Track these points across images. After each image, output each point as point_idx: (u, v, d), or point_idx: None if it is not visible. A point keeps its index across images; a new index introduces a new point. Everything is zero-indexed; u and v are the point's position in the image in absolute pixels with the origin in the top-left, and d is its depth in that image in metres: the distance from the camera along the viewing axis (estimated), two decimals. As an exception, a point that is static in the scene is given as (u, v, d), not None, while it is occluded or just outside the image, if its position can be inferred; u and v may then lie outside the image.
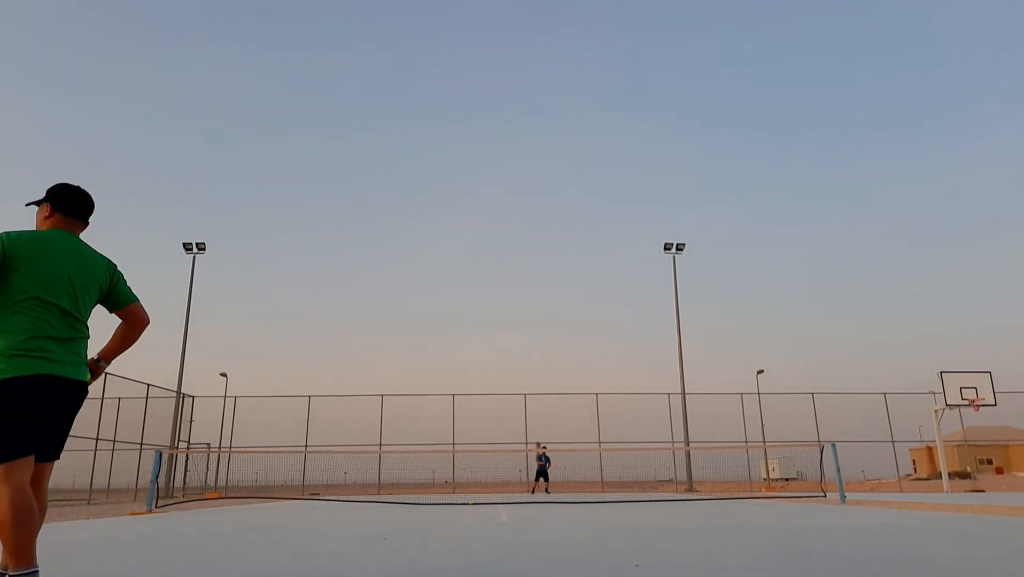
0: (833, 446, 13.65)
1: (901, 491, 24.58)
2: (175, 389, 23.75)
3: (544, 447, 22.65)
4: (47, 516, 10.10)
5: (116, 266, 2.97)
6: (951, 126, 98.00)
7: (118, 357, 3.01)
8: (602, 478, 25.44)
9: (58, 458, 2.76)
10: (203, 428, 25.65)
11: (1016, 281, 75.34)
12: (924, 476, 48.73)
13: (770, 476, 34.06)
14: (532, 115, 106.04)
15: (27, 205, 2.94)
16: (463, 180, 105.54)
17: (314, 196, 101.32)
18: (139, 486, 20.29)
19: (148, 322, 3.02)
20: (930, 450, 49.33)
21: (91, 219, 2.97)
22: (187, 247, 25.90)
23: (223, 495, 23.19)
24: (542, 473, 22.43)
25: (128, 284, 3.00)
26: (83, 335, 2.78)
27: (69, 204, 2.87)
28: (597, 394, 25.48)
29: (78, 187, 2.94)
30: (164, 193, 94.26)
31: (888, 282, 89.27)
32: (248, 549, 4.72)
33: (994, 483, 34.71)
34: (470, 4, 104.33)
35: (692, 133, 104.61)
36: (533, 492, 22.16)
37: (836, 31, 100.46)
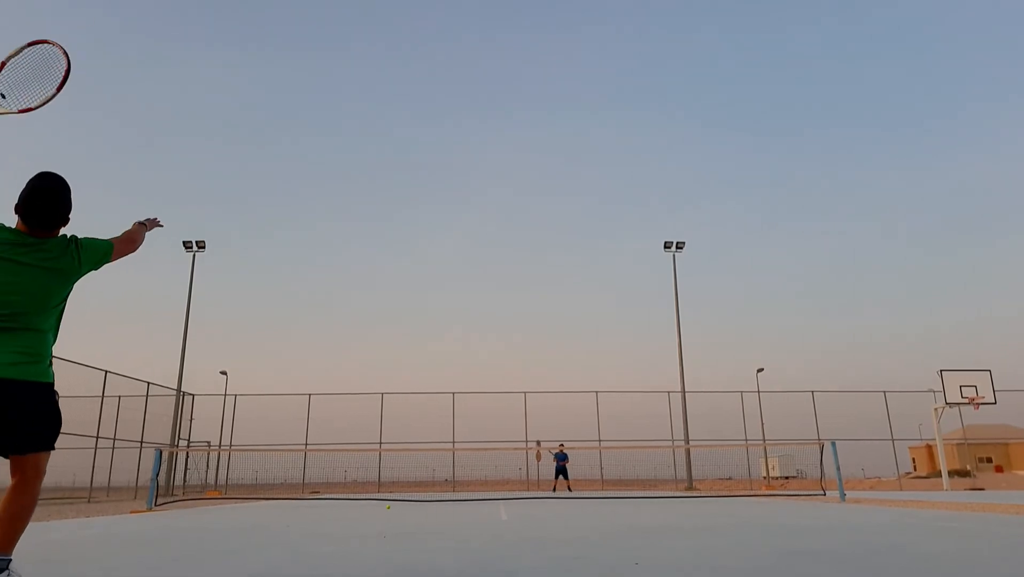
0: (833, 444, 13.66)
1: (901, 489, 24.60)
2: (175, 387, 23.75)
3: (562, 445, 22.61)
4: (48, 514, 10.13)
5: (72, 239, 2.88)
6: (951, 123, 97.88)
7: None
8: (602, 476, 25.44)
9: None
10: (203, 426, 25.66)
11: (1017, 279, 75.25)
12: (924, 474, 48.75)
13: (770, 474, 34.09)
14: (531, 113, 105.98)
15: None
16: (463, 178, 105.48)
17: (314, 194, 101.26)
18: (139, 484, 20.30)
19: (135, 239, 3.15)
20: (930, 448, 49.30)
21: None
22: (187, 245, 25.89)
23: (223, 493, 23.20)
24: (561, 471, 22.37)
25: (103, 243, 2.99)
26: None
27: (27, 214, 2.77)
28: (597, 392, 25.49)
29: (41, 189, 2.78)
30: (164, 192, 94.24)
31: (888, 280, 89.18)
32: (248, 548, 4.72)
33: (994, 481, 34.75)
34: (467, 2, 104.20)
35: (690, 131, 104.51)
36: (555, 490, 22.08)
37: (836, 28, 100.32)
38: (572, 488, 22.50)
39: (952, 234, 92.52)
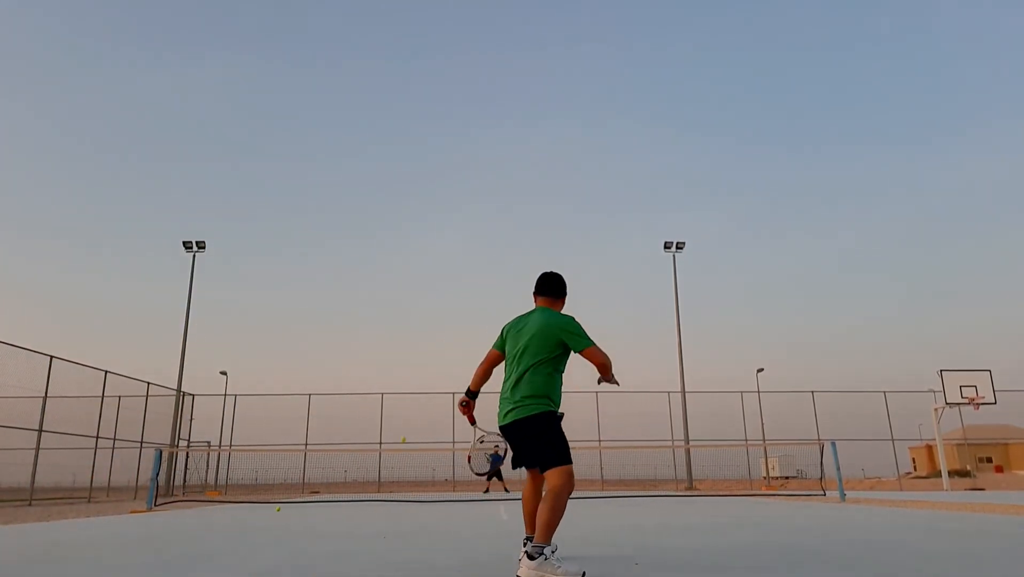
0: (833, 444, 13.65)
1: (901, 489, 24.59)
2: (175, 387, 23.75)
3: (496, 446, 21.29)
4: (48, 514, 10.18)
5: (566, 323, 3.55)
6: (949, 123, 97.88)
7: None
8: (602, 476, 25.43)
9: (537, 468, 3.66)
10: (203, 426, 25.62)
11: (1017, 278, 75.21)
12: (924, 474, 48.73)
13: (770, 474, 34.07)
14: (530, 113, 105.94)
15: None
16: (461, 178, 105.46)
17: (314, 194, 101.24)
18: (139, 484, 20.28)
19: (599, 361, 3.56)
20: (930, 448, 49.29)
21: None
22: (187, 245, 25.87)
23: (223, 493, 23.20)
24: (496, 472, 20.80)
25: (582, 335, 3.52)
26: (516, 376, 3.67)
27: (536, 287, 3.83)
28: (597, 392, 25.45)
29: (545, 273, 3.82)
30: (164, 191, 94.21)
31: (888, 279, 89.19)
32: (248, 548, 4.72)
33: (994, 482, 34.71)
34: (465, 3, 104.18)
35: (691, 130, 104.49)
36: (487, 491, 20.80)
37: (835, 27, 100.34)
38: (508, 489, 21.04)
39: (953, 233, 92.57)
